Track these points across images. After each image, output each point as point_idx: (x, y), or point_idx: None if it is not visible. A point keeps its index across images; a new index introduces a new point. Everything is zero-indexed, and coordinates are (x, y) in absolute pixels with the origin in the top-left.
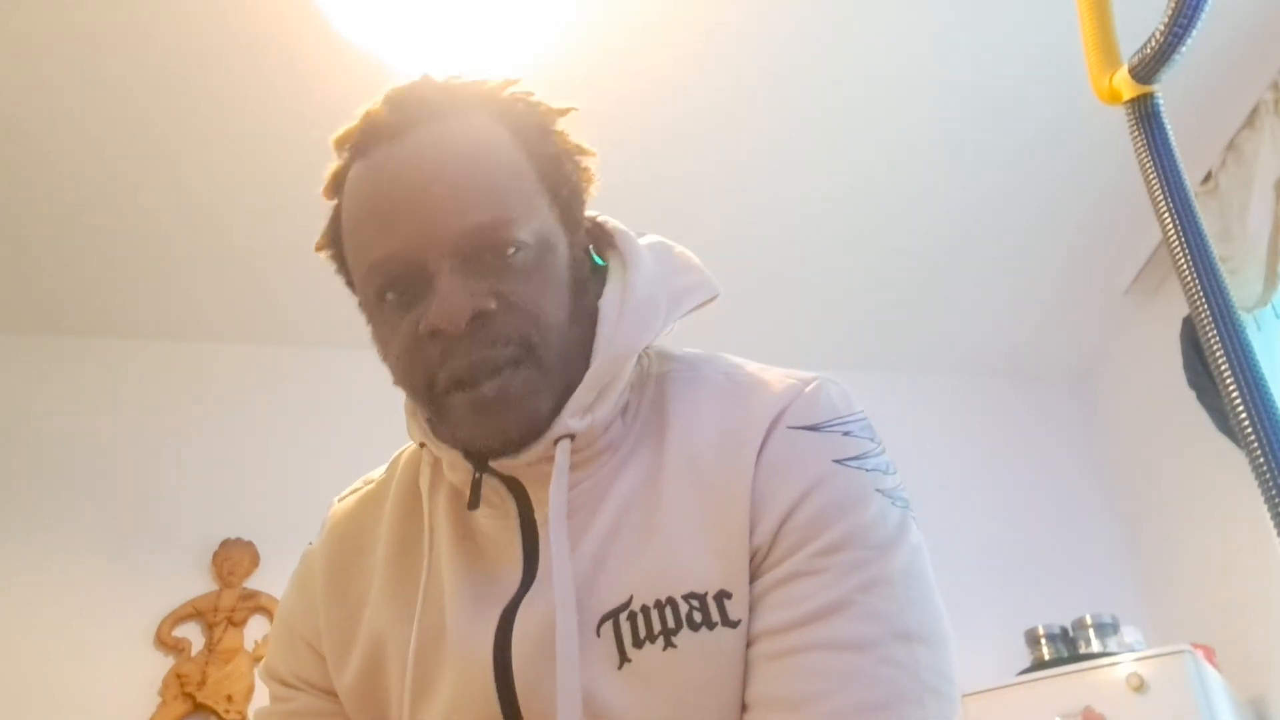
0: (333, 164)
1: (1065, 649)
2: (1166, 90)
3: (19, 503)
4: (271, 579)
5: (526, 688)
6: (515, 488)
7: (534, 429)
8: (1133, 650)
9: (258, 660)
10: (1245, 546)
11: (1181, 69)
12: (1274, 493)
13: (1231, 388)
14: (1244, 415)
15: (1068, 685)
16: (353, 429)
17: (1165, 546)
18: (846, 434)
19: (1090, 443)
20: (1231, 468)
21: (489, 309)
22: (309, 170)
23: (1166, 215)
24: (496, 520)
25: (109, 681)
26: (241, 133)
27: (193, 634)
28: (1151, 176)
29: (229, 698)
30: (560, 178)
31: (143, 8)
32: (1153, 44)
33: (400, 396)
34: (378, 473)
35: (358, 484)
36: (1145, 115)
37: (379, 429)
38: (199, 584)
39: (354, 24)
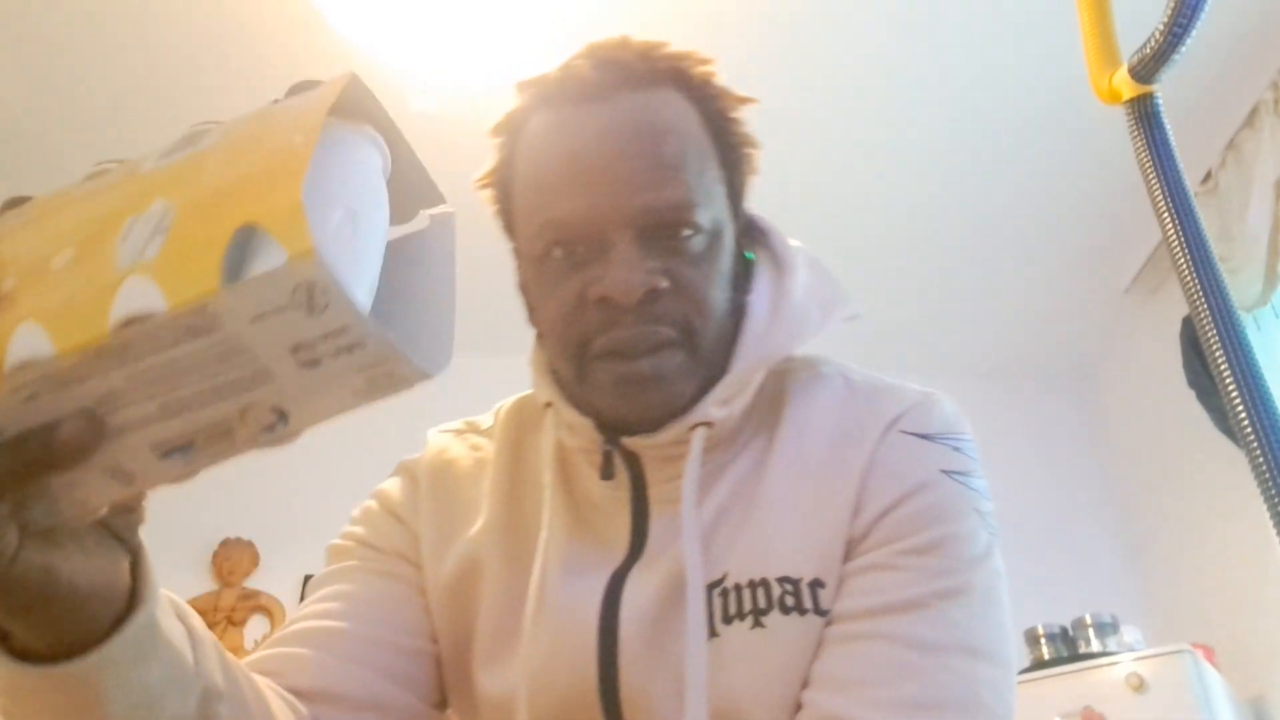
0: (511, 103)
1: (1065, 648)
2: (1166, 90)
3: None
4: (271, 579)
5: (630, 653)
6: (632, 463)
7: (674, 411)
8: (1132, 650)
9: None
10: (1245, 546)
11: (1181, 69)
12: (1274, 493)
13: (1231, 388)
14: (1244, 415)
15: (1067, 685)
16: (353, 429)
17: (1165, 546)
18: (956, 449)
19: (1090, 443)
20: (1231, 468)
21: (661, 287)
22: None
23: (1166, 215)
24: (608, 491)
25: None
26: None
27: None
28: (1151, 176)
29: None
30: (735, 167)
31: (145, 9)
32: (1152, 44)
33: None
34: (482, 420)
35: (458, 424)
36: (1145, 115)
37: (379, 429)
38: (199, 584)
39: (353, 25)
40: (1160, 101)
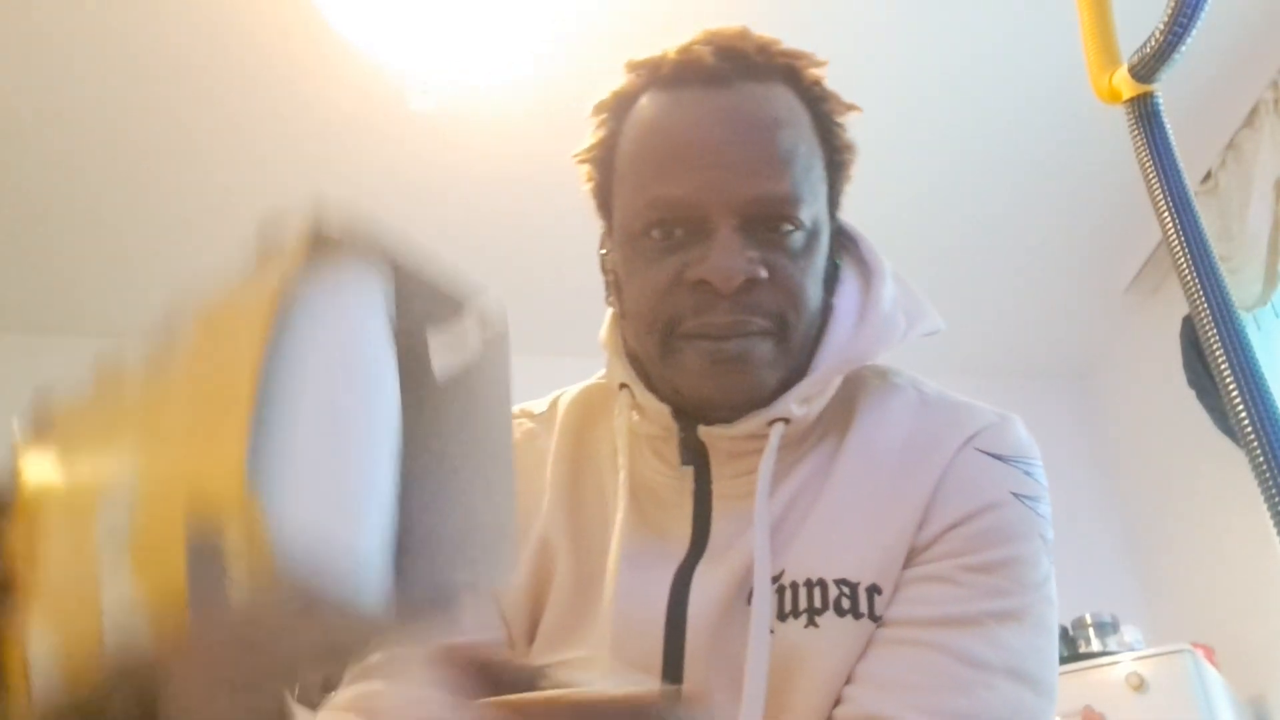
0: (618, 81)
1: (1065, 648)
2: (1166, 90)
3: None
4: None
5: (695, 649)
6: (698, 455)
7: (757, 399)
8: (1132, 649)
9: None
10: (1245, 546)
11: (1181, 69)
12: (1274, 492)
13: (1231, 387)
14: (1244, 415)
15: (1067, 684)
16: None
17: (1165, 546)
18: (1027, 473)
19: (1090, 442)
20: (1231, 467)
21: (760, 277)
22: (310, 169)
23: (1166, 215)
24: (670, 479)
25: None
26: (246, 134)
27: None
28: (1151, 176)
29: None
30: (837, 170)
31: (144, 9)
32: (1153, 43)
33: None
34: (535, 406)
35: (516, 410)
36: (1145, 114)
37: None
38: None
39: (353, 25)
40: (1160, 101)
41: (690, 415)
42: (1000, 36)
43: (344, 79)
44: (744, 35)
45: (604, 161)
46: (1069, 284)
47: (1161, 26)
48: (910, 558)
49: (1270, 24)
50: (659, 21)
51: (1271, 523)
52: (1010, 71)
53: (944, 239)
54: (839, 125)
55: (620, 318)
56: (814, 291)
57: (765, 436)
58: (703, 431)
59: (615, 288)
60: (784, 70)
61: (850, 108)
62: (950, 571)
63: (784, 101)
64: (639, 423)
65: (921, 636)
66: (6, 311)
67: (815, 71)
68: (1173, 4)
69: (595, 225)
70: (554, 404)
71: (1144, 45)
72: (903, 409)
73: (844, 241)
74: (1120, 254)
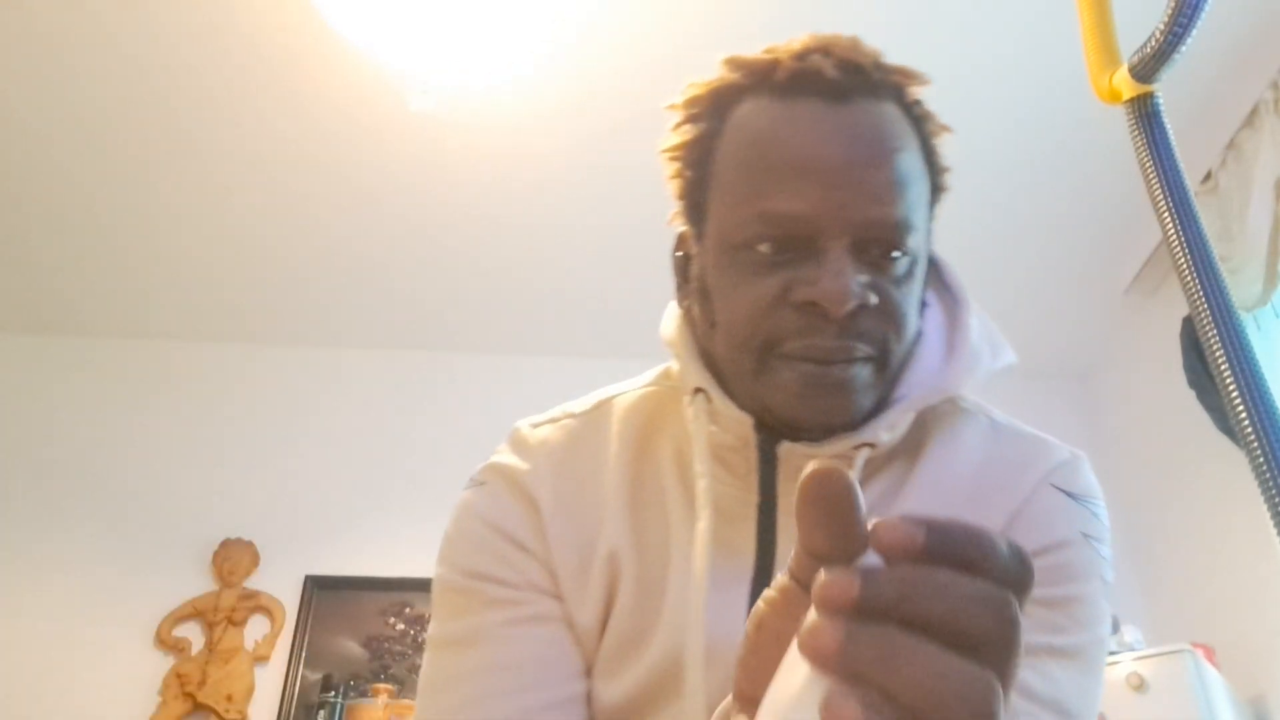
0: (714, 78)
1: None
2: (1166, 90)
3: (19, 503)
4: (271, 579)
5: None
6: (768, 470)
7: (850, 424)
8: (1132, 649)
9: (258, 660)
10: (1245, 546)
11: (1181, 69)
12: (1274, 493)
13: (1231, 388)
14: (1244, 415)
15: None
16: (353, 428)
17: (1165, 546)
18: (1094, 515)
19: (1090, 443)
20: (1231, 467)
21: (871, 304)
22: (312, 171)
23: (1166, 215)
24: (733, 490)
25: (109, 681)
26: (246, 134)
27: (193, 634)
28: (1151, 176)
29: (229, 697)
30: (936, 195)
31: (146, 9)
32: (1153, 43)
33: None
34: (576, 407)
35: (555, 414)
36: (1145, 115)
37: (378, 429)
38: (199, 584)
39: (353, 25)
40: (1160, 101)
41: (770, 429)
42: (1000, 37)
43: (344, 80)
44: (858, 48)
45: (699, 162)
46: (1069, 284)
47: (1161, 27)
48: None
49: (1270, 24)
50: (659, 26)
51: (1271, 523)
52: (1010, 72)
53: (944, 239)
54: (936, 149)
55: (708, 326)
56: (914, 320)
57: (848, 459)
58: (785, 448)
59: (701, 295)
60: (894, 88)
61: (944, 129)
62: None
63: (899, 123)
64: (716, 430)
65: None
66: (6, 311)
67: (919, 90)
68: (1173, 4)
69: (594, 227)
70: (601, 406)
71: (1144, 45)
72: (974, 436)
73: (930, 267)
74: (1120, 254)
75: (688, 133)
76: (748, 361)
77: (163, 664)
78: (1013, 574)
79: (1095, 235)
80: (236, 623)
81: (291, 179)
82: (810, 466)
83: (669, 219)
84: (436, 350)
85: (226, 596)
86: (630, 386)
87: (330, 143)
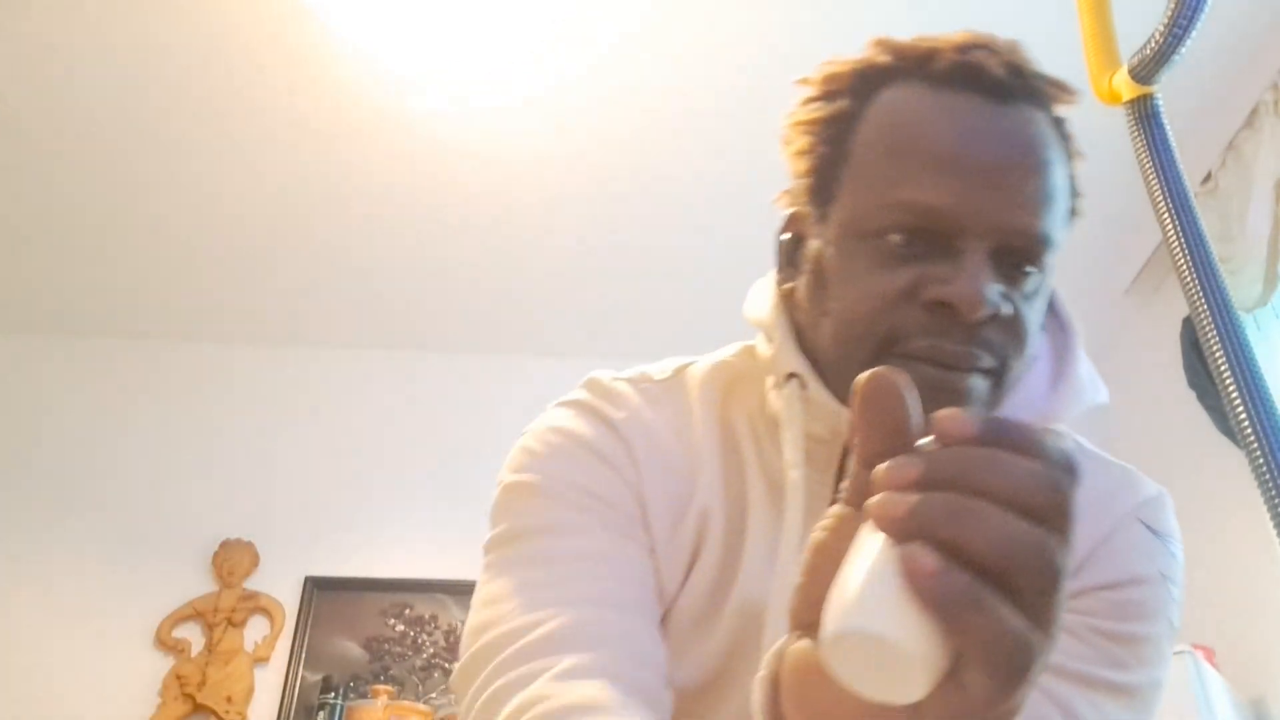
0: (857, 58)
1: None
2: (1166, 90)
3: (19, 503)
4: (271, 579)
5: None
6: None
7: None
8: None
9: (258, 661)
10: (1245, 547)
11: (1181, 69)
12: (1274, 493)
13: (1231, 388)
14: (1244, 415)
15: None
16: (352, 429)
17: None
18: (1173, 556)
19: (1090, 443)
20: (1231, 468)
21: (1004, 314)
22: (313, 172)
23: (1166, 215)
24: (814, 487)
25: (109, 681)
26: (245, 135)
27: (193, 634)
28: (1151, 177)
29: (229, 698)
30: (1070, 216)
31: (148, 9)
32: (1152, 44)
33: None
34: (654, 371)
35: (632, 374)
36: (1145, 116)
37: (378, 429)
38: (199, 584)
39: (353, 25)
40: (1160, 102)
41: None
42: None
43: (337, 81)
44: (1019, 50)
45: (835, 140)
46: (1069, 284)
47: (1161, 28)
48: None
49: (1270, 25)
50: (659, 28)
51: (1271, 523)
52: None
53: None
54: (1074, 169)
55: (818, 314)
56: (1036, 336)
57: None
58: None
59: (815, 281)
60: (1045, 98)
61: (1080, 153)
62: (1082, 628)
63: (1052, 134)
64: (806, 418)
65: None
66: (6, 311)
67: (1066, 106)
68: (1173, 5)
69: (592, 230)
70: (680, 373)
71: (1144, 47)
72: None
73: None
74: (1120, 255)
75: (822, 109)
76: (861, 354)
77: (162, 665)
78: (1060, 462)
79: (1095, 235)
80: (236, 624)
81: (298, 180)
82: (864, 375)
83: (776, 197)
84: (437, 351)
85: (226, 597)
86: (704, 358)
87: (329, 145)
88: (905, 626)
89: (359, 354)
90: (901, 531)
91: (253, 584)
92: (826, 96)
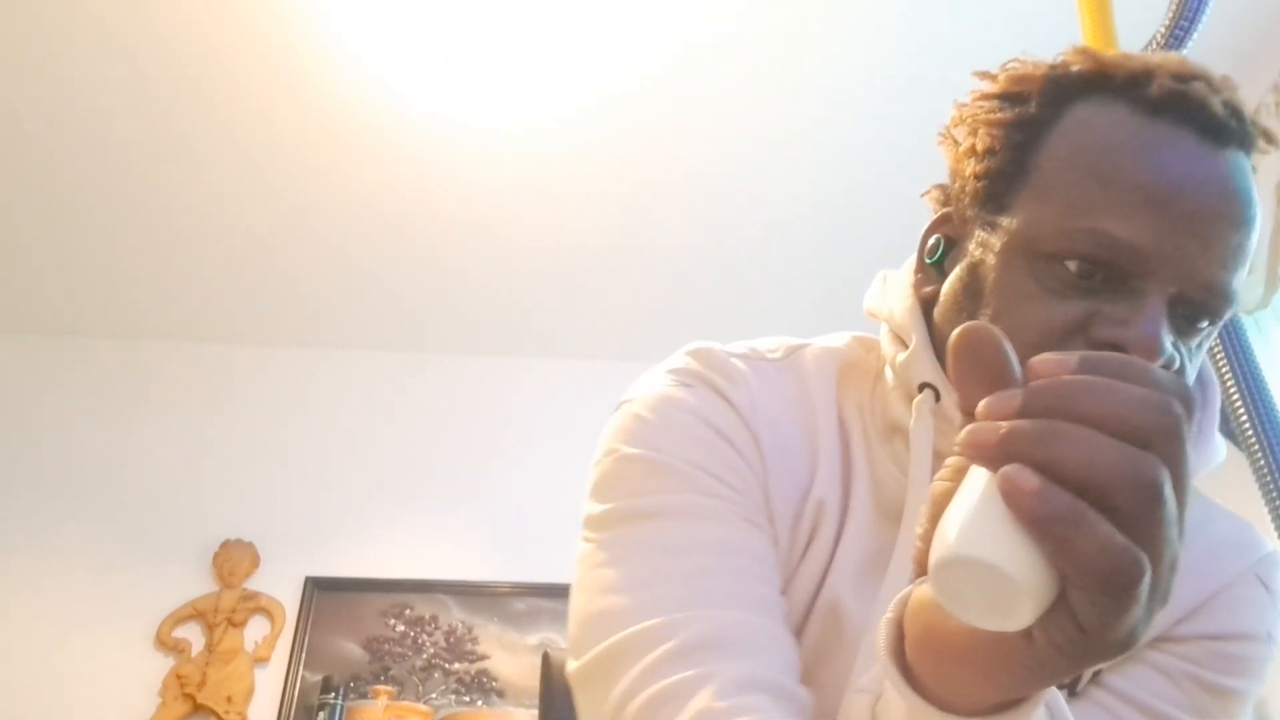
0: (1051, 63)
1: None
2: None
3: (19, 503)
4: (271, 579)
5: None
6: None
7: None
8: None
9: (258, 661)
10: None
11: None
12: (1274, 493)
13: (1231, 389)
14: (1244, 415)
15: None
16: (353, 429)
17: None
18: (1279, 615)
19: None
20: (1231, 468)
21: (1174, 368)
22: (314, 173)
23: None
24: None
25: (109, 682)
26: (247, 136)
27: (193, 635)
28: None
29: (229, 698)
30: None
31: (143, 11)
32: (1154, 46)
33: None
34: (766, 350)
35: (744, 350)
36: None
37: (378, 429)
38: (199, 585)
39: (353, 25)
40: None
41: None
42: (1000, 38)
43: (340, 83)
44: (1235, 88)
45: (1020, 146)
46: None
47: (1163, 29)
48: (1156, 640)
49: (1270, 25)
50: (659, 30)
51: (1271, 523)
52: None
53: None
54: None
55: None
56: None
57: None
58: None
59: (968, 290)
60: (1249, 144)
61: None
62: (1180, 673)
63: (1253, 185)
64: (917, 420)
65: (1121, 712)
66: (5, 311)
67: (1261, 155)
68: (1174, 6)
69: (591, 232)
70: (793, 354)
71: (1145, 48)
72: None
73: None
74: None
75: (1006, 111)
76: None
77: (163, 665)
78: (1173, 388)
79: None
80: (236, 624)
81: (302, 182)
82: (958, 329)
83: (925, 191)
84: (438, 352)
85: (227, 598)
86: (813, 342)
87: (329, 146)
88: (1007, 550)
89: (359, 355)
90: (996, 457)
91: (253, 584)
92: (1012, 98)
